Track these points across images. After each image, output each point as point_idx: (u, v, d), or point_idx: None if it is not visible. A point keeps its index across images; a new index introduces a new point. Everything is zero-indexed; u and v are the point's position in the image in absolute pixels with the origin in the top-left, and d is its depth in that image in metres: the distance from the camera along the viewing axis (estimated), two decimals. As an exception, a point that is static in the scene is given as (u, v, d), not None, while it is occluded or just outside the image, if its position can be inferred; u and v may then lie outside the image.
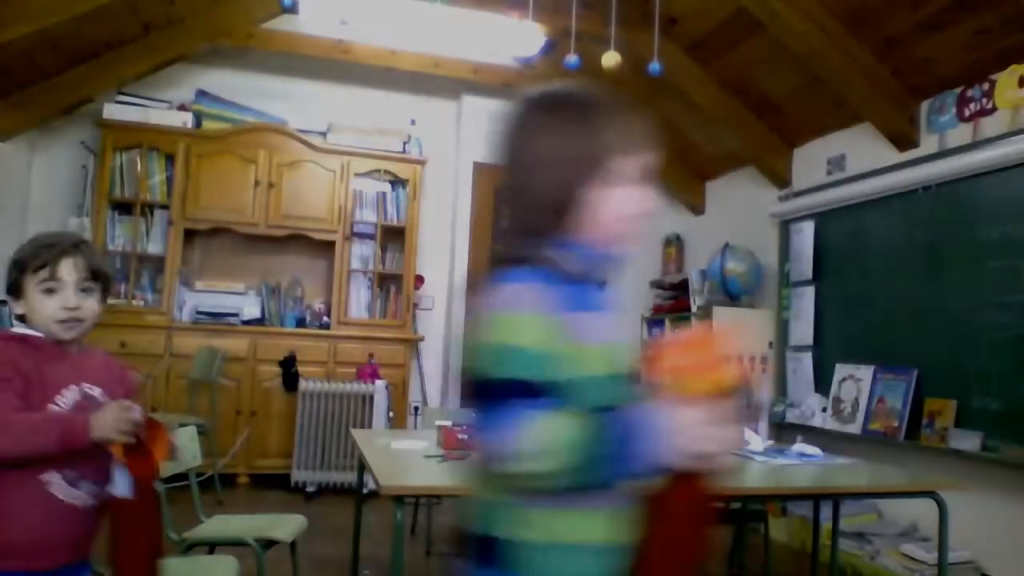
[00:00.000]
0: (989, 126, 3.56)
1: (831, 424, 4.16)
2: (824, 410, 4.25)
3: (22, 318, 1.55)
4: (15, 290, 1.52)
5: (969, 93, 3.68)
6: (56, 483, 1.43)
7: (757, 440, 3.10)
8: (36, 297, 1.49)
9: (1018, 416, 3.23)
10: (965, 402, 3.48)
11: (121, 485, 1.43)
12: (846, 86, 4.03)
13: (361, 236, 5.38)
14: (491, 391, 0.97)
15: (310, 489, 4.73)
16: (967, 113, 3.68)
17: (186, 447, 2.61)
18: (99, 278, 1.55)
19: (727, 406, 0.94)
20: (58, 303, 1.48)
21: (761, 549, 3.62)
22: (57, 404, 1.46)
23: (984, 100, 3.59)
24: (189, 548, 2.34)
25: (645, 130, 1.09)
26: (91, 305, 1.53)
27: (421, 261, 5.52)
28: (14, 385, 1.40)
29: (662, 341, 1.05)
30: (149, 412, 1.49)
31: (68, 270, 1.49)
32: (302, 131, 5.28)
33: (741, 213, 5.38)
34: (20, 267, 1.51)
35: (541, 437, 0.92)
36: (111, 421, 1.39)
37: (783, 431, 4.48)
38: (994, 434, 3.31)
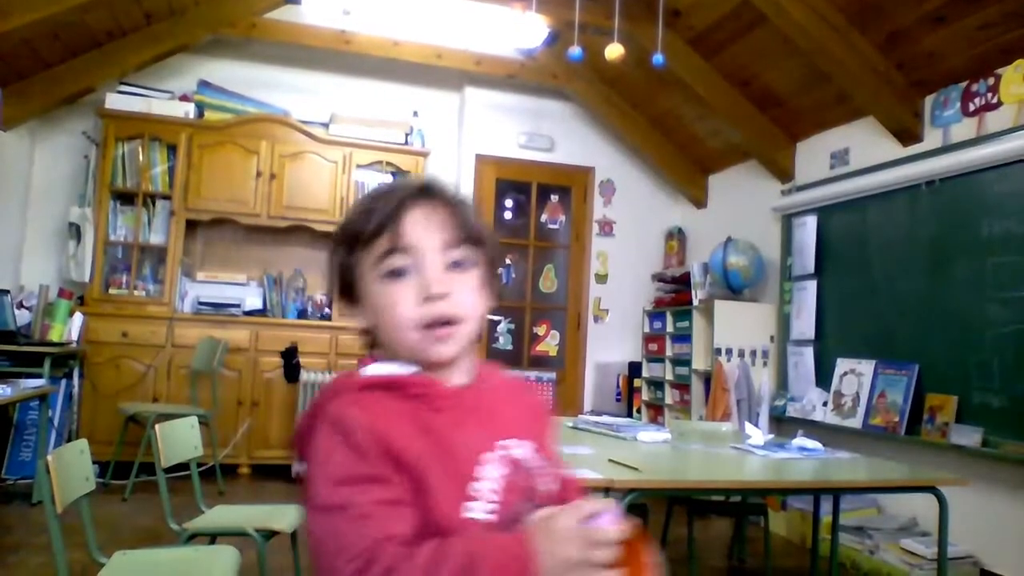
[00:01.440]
0: (993, 121, 3.54)
1: (832, 418, 4.17)
2: (825, 404, 4.25)
3: (370, 341, 0.90)
4: (349, 285, 0.90)
5: (974, 88, 3.67)
6: None
7: (758, 434, 3.10)
8: (377, 290, 0.86)
9: (1019, 412, 3.23)
10: (966, 397, 3.48)
11: None
12: (849, 80, 4.02)
13: (363, 228, 5.37)
14: None
15: (311, 480, 4.74)
16: (971, 108, 3.67)
17: (188, 437, 2.62)
18: (477, 243, 0.89)
19: None
20: (413, 290, 0.84)
21: (761, 542, 3.63)
22: (477, 497, 0.81)
23: (989, 95, 3.58)
24: (190, 538, 2.35)
25: None
26: (467, 291, 0.87)
27: (423, 253, 5.51)
28: (395, 486, 0.77)
29: None
30: (615, 514, 0.76)
31: (422, 229, 0.85)
32: (304, 122, 5.27)
33: (743, 207, 5.37)
34: (350, 238, 0.89)
35: None
36: (573, 553, 0.72)
37: (784, 425, 4.49)
38: (995, 430, 3.31)
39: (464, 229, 0.87)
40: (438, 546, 0.74)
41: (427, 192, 0.88)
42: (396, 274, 0.85)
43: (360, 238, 0.87)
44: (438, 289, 0.84)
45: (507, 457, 0.85)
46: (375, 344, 0.89)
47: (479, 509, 0.80)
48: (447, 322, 0.84)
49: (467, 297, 0.86)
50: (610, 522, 0.75)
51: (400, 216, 0.85)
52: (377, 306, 0.86)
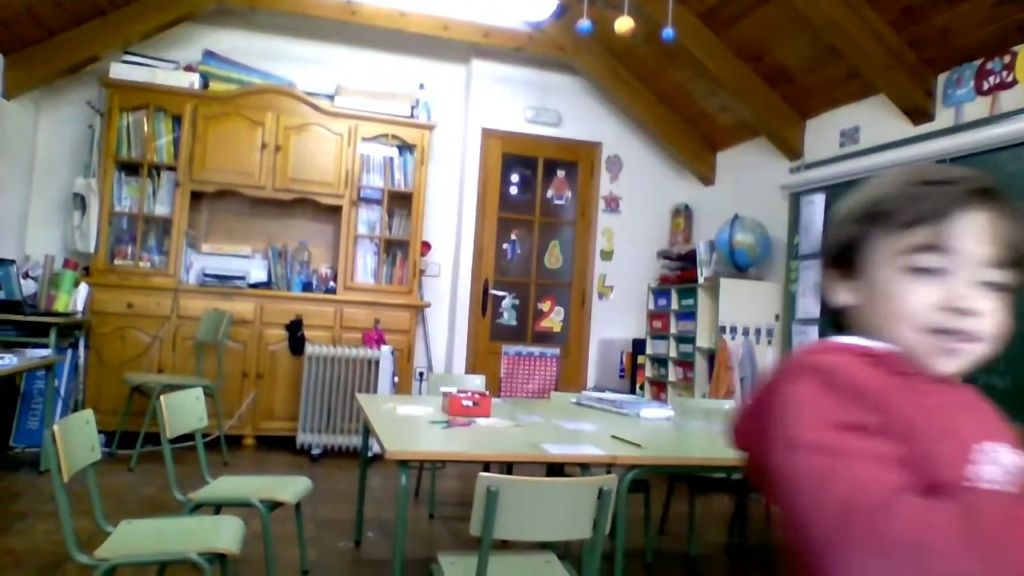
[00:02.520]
0: (1008, 100, 3.49)
1: (835, 398, 4.16)
2: (828, 384, 4.25)
3: (837, 320, 0.85)
4: (845, 257, 0.83)
5: (988, 66, 3.61)
6: None
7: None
8: (892, 278, 0.79)
9: (1024, 393, 3.22)
10: (971, 379, 3.45)
11: None
12: (861, 56, 3.96)
13: (368, 201, 5.36)
14: None
15: (315, 451, 4.78)
16: (985, 87, 3.62)
17: (193, 408, 2.63)
18: (1021, 267, 0.79)
19: None
20: (936, 295, 0.77)
21: (762, 519, 3.65)
22: (979, 483, 0.72)
23: (1004, 73, 3.53)
24: (195, 508, 2.37)
25: None
26: (995, 314, 0.79)
27: (428, 227, 5.50)
28: (884, 443, 0.71)
29: None
30: None
31: (975, 236, 0.77)
32: (309, 94, 5.23)
33: (751, 184, 5.33)
34: (870, 217, 0.81)
35: None
36: None
37: (787, 404, 4.49)
38: (1000, 412, 3.29)
39: (1016, 249, 0.78)
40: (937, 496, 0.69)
41: (989, 196, 0.78)
42: (923, 271, 0.77)
43: (892, 219, 0.79)
44: (968, 304, 0.76)
45: (1008, 457, 0.75)
46: (843, 323, 0.84)
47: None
48: (964, 339, 0.78)
49: (994, 321, 0.78)
50: None
51: (954, 215, 0.76)
52: (883, 292, 0.79)
